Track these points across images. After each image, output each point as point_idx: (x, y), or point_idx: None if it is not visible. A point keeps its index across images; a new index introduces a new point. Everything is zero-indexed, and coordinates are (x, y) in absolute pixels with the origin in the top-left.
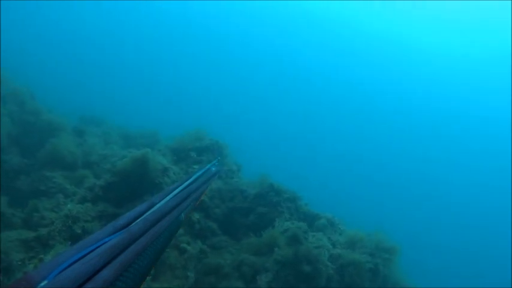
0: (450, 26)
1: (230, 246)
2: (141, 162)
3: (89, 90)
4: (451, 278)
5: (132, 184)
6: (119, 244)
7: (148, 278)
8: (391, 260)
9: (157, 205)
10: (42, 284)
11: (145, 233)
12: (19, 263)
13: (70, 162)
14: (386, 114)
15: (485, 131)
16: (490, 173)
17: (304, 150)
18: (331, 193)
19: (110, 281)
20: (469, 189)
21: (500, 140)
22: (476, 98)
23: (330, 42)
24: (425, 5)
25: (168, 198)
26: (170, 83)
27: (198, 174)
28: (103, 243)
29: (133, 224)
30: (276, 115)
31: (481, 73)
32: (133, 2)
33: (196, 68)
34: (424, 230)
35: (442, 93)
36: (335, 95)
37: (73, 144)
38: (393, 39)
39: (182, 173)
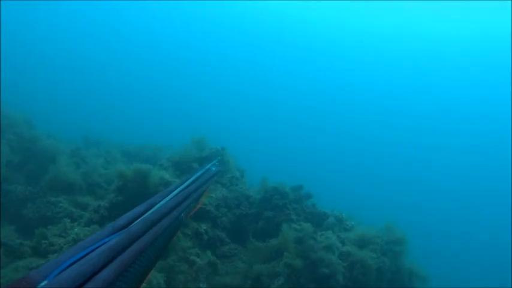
0: (449, 17)
1: (241, 254)
2: (142, 174)
3: (83, 107)
4: (450, 278)
5: (137, 202)
6: (119, 244)
7: None
8: (402, 251)
9: (157, 205)
10: (43, 283)
11: (145, 233)
12: None
13: (74, 186)
14: (385, 110)
15: (487, 125)
16: (490, 169)
17: (303, 149)
18: (336, 191)
19: (110, 281)
20: (469, 189)
21: (502, 134)
22: (478, 92)
23: (323, 44)
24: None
25: (168, 198)
26: (163, 91)
27: (197, 174)
28: (103, 244)
29: (133, 224)
30: (271, 117)
31: (481, 68)
32: (120, 12)
33: (189, 73)
34: (422, 228)
35: (441, 87)
36: (331, 94)
37: (75, 167)
38: (385, 34)
39: None
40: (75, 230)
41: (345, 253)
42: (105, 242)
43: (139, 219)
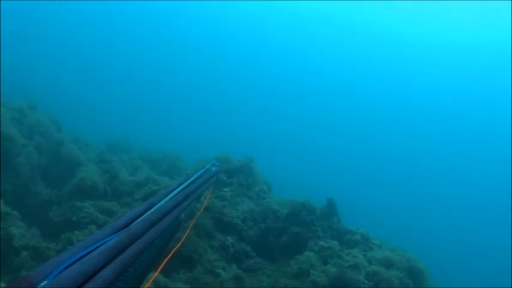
0: (450, 21)
1: (265, 268)
2: None
3: (102, 108)
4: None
5: None
6: (119, 244)
7: None
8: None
9: (157, 205)
10: (43, 283)
11: (145, 233)
12: None
13: (99, 191)
14: (386, 112)
15: (488, 128)
16: (491, 169)
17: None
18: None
19: (110, 281)
20: (469, 190)
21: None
22: (478, 94)
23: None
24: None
25: (167, 198)
26: (183, 99)
27: (197, 174)
28: (103, 243)
29: (132, 224)
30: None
31: (483, 68)
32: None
33: (201, 78)
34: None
35: (443, 89)
36: (340, 96)
37: (100, 172)
38: (392, 36)
39: (213, 197)
40: None
41: (371, 273)
42: (105, 242)
43: (139, 219)
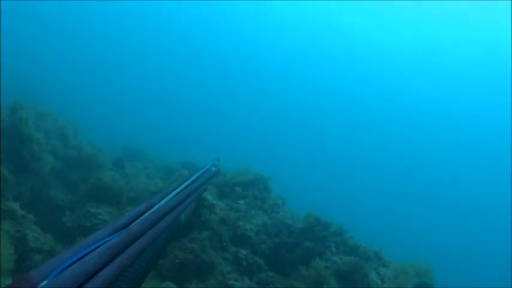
0: (448, 24)
1: (277, 282)
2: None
3: (111, 112)
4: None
5: None
6: (119, 244)
7: None
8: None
9: (157, 205)
10: (43, 283)
11: (146, 233)
12: None
13: (114, 198)
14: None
15: (487, 131)
16: (491, 173)
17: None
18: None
19: (110, 281)
20: (469, 190)
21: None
22: (477, 98)
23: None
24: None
25: (168, 198)
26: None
27: (198, 174)
28: (103, 243)
29: (133, 224)
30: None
31: (481, 73)
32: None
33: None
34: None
35: (441, 93)
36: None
37: (116, 178)
38: (394, 38)
39: (228, 209)
40: None
41: None
42: (106, 242)
43: (139, 219)
